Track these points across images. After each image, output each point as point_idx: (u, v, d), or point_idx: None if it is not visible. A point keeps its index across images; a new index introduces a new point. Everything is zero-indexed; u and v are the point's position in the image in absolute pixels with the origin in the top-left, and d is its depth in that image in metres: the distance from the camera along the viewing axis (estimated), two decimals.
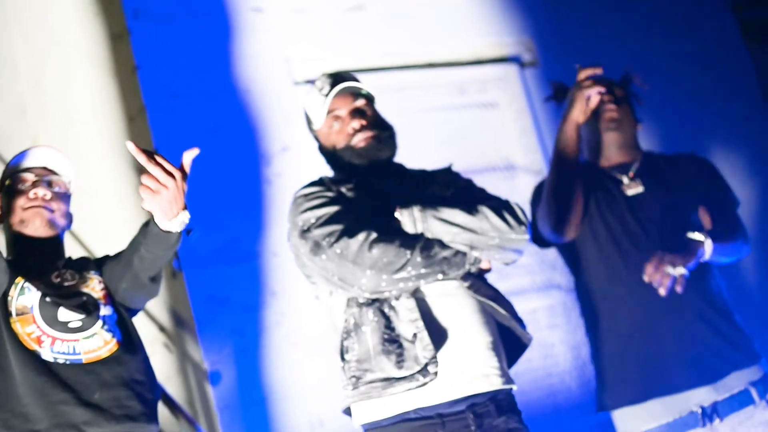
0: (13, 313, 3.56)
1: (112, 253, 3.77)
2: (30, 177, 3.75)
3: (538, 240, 4.51)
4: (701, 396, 4.16)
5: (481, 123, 5.89)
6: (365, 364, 3.68)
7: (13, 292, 3.60)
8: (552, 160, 4.41)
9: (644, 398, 4.21)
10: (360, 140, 3.93)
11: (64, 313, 3.58)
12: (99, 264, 3.79)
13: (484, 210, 3.76)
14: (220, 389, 5.14)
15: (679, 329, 4.23)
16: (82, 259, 3.82)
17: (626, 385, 4.30)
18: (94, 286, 3.70)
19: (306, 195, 3.85)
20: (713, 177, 4.57)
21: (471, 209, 3.76)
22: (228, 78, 5.49)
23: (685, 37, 6.28)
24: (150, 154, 3.18)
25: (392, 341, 3.67)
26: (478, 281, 3.82)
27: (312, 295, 3.99)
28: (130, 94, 5.37)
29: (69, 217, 3.82)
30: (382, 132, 3.96)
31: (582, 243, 4.44)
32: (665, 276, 4.00)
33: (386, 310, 3.71)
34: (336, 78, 4.00)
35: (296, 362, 5.32)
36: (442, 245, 3.72)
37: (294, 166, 5.52)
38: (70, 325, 3.56)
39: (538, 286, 5.84)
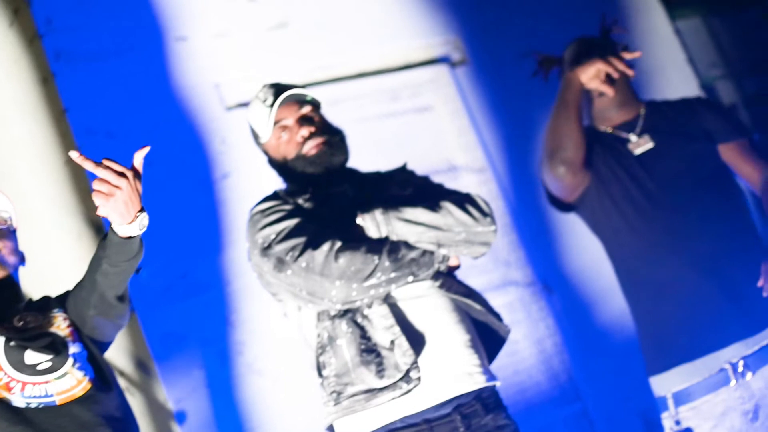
0: None
1: (71, 287, 3.55)
2: None
3: (552, 199, 4.43)
4: (732, 351, 4.01)
5: (418, 127, 5.74)
6: (345, 378, 3.50)
7: None
8: (554, 110, 4.32)
9: (686, 359, 4.06)
10: (311, 147, 3.75)
11: (31, 356, 3.34)
12: (61, 301, 3.57)
13: (447, 205, 3.60)
14: (187, 428, 4.92)
15: (702, 289, 4.08)
16: (43, 299, 3.60)
17: (667, 347, 4.15)
18: (59, 325, 3.47)
19: (262, 211, 3.66)
20: (720, 116, 4.41)
21: (433, 206, 3.60)
22: (161, 111, 5.28)
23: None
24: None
25: (370, 351, 3.49)
26: (448, 279, 3.66)
27: (273, 315, 3.81)
28: (62, 137, 5.14)
29: (18, 253, 3.57)
30: (333, 137, 3.79)
31: (602, 210, 4.31)
32: None
33: (359, 320, 3.53)
34: (278, 87, 3.82)
35: (263, 390, 5.11)
36: (409, 246, 3.55)
37: (236, 192, 5.31)
38: (39, 367, 3.33)
39: (495, 285, 5.68)
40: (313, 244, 3.51)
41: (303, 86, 3.97)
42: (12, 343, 3.34)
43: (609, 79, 4.30)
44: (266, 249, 3.56)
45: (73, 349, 3.41)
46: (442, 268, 3.63)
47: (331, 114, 4.13)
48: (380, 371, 3.46)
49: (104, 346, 3.56)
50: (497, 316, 3.66)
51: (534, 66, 4.71)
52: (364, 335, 3.51)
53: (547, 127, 4.33)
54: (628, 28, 4.64)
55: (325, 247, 3.49)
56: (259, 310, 5.13)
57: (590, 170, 4.28)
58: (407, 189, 3.74)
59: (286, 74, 5.45)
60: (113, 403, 3.40)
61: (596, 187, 4.28)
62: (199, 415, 4.98)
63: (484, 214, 3.63)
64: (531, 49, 4.72)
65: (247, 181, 5.32)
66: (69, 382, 3.34)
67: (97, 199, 3.02)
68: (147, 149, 3.09)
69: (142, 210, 3.12)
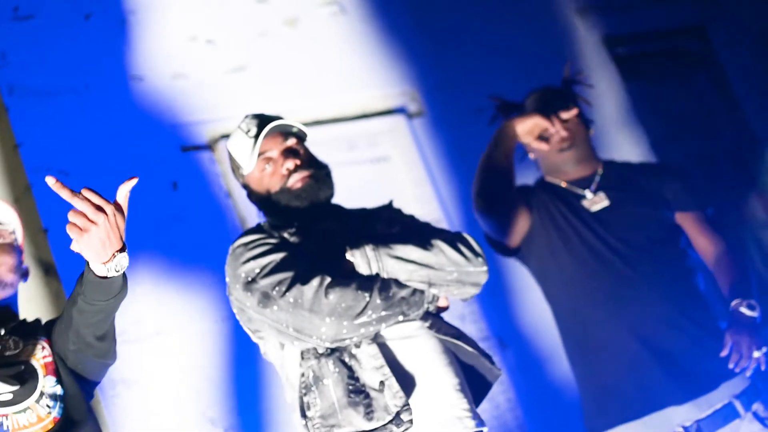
0: None
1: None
2: None
3: (491, 242, 4.35)
4: (683, 413, 3.91)
5: (374, 177, 5.60)
6: (331, 419, 3.31)
7: None
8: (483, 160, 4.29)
9: (627, 419, 3.95)
10: (296, 181, 3.58)
11: None
12: (47, 328, 3.30)
13: (439, 244, 3.44)
14: None
15: (653, 347, 4.00)
16: (35, 323, 3.34)
17: (608, 406, 4.06)
18: (35, 354, 3.19)
19: (245, 244, 3.47)
20: (680, 184, 4.34)
21: (425, 244, 3.44)
22: (115, 151, 5.07)
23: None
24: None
25: (358, 392, 3.31)
26: (438, 320, 3.50)
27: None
28: (14, 172, 4.90)
29: (20, 270, 3.34)
30: (319, 171, 3.63)
31: (552, 258, 4.23)
32: (753, 361, 3.76)
33: (347, 359, 3.35)
34: (262, 118, 3.65)
35: None
36: (399, 284, 3.38)
37: (188, 236, 5.10)
38: (0, 398, 3.06)
39: None
40: (301, 279, 3.33)
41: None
42: None
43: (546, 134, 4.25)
44: (250, 283, 3.37)
45: (44, 383, 3.14)
46: (431, 308, 3.46)
47: None
48: (369, 413, 3.28)
49: (92, 384, 3.31)
50: (489, 358, 3.50)
51: (492, 112, 4.62)
52: (351, 375, 3.33)
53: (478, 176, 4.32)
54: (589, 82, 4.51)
55: (315, 282, 3.31)
56: (212, 357, 4.92)
57: (538, 216, 4.18)
58: (394, 227, 3.58)
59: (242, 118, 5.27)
60: None
61: (547, 234, 4.20)
62: None
63: (476, 254, 3.48)
64: (491, 96, 4.61)
65: (198, 227, 5.13)
66: (28, 418, 3.08)
67: (71, 233, 2.72)
68: (134, 181, 2.80)
69: (122, 249, 2.81)
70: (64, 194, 2.69)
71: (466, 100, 5.88)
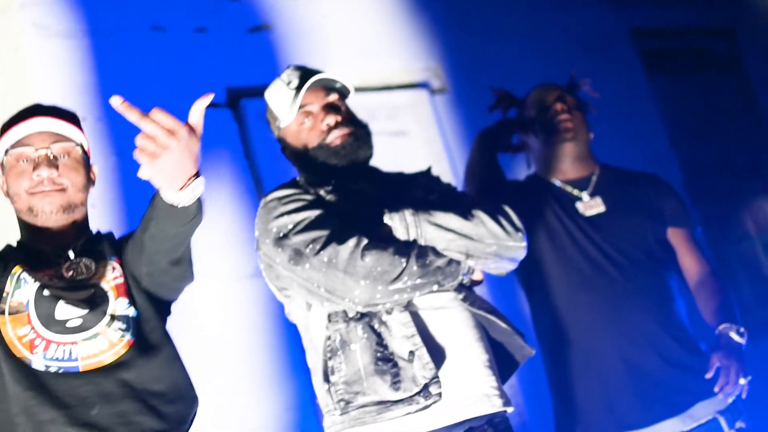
0: (6, 311, 2.82)
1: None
2: (29, 153, 2.95)
3: None
4: (668, 428, 3.76)
5: (392, 150, 5.37)
6: (355, 386, 3.12)
7: (9, 287, 2.86)
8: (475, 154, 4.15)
9: None
10: (336, 138, 3.38)
11: (62, 309, 2.82)
12: (119, 245, 3.03)
13: (480, 214, 3.25)
14: None
15: (638, 362, 3.84)
16: (107, 238, 3.07)
17: (588, 422, 3.88)
18: (106, 275, 2.94)
19: (279, 198, 3.27)
20: (675, 200, 4.16)
21: (465, 213, 3.24)
22: (132, 101, 4.84)
23: (588, 67, 5.95)
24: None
25: (386, 360, 3.12)
26: (471, 293, 3.31)
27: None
28: None
29: (90, 184, 3.08)
30: (359, 129, 3.44)
31: (543, 256, 4.01)
32: (738, 387, 3.63)
33: (376, 325, 3.16)
34: (304, 71, 3.44)
35: (215, 401, 4.67)
36: (436, 253, 3.20)
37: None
38: (69, 324, 2.80)
39: None
40: (337, 238, 3.13)
41: None
42: (45, 292, 2.83)
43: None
44: (282, 239, 3.17)
45: (115, 306, 2.88)
46: (466, 281, 3.27)
47: None
48: (396, 383, 3.09)
49: (167, 304, 3.05)
50: (522, 336, 3.31)
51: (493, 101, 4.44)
52: (380, 342, 3.14)
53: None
54: (597, 89, 4.33)
55: (351, 243, 3.12)
56: (218, 316, 4.71)
57: (528, 214, 4.00)
58: (432, 193, 3.39)
59: (264, 77, 5.07)
60: (153, 373, 2.88)
61: (536, 234, 4.00)
62: None
63: (516, 228, 3.29)
64: (492, 87, 4.43)
65: (214, 183, 4.92)
66: (99, 345, 2.83)
67: (140, 158, 2.43)
68: (209, 98, 2.52)
69: (197, 175, 2.55)
70: (132, 116, 2.41)
71: (490, 81, 5.66)
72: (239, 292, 4.78)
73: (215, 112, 5.09)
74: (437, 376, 3.09)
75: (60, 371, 2.77)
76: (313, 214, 3.19)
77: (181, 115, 4.85)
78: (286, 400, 4.74)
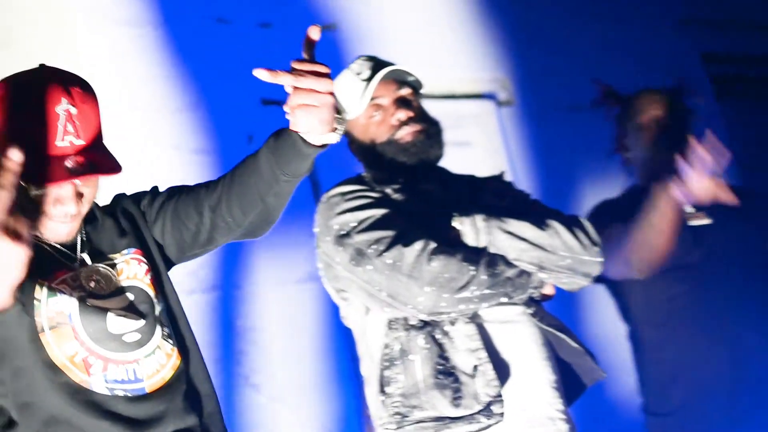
0: (45, 326, 2.33)
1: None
2: (59, 194, 2.37)
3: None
4: None
5: (453, 160, 5.10)
6: (413, 400, 2.85)
7: (40, 294, 2.36)
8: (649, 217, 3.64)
9: None
10: (407, 134, 3.12)
11: (115, 322, 2.38)
12: (137, 208, 2.60)
13: (555, 225, 2.97)
14: None
15: (747, 373, 3.63)
16: (120, 205, 2.59)
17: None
18: (135, 273, 2.49)
19: (343, 194, 3.01)
20: None
21: (540, 223, 2.97)
22: (193, 93, 4.62)
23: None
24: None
25: (447, 374, 2.85)
26: (541, 308, 3.03)
27: (281, 327, 3.13)
28: None
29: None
30: (431, 127, 3.17)
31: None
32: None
33: (439, 336, 2.89)
34: (375, 62, 3.19)
35: (257, 405, 4.42)
36: (507, 263, 2.92)
37: None
38: (126, 339, 2.38)
39: None
40: (402, 240, 2.87)
41: None
42: (89, 303, 2.38)
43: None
44: (343, 237, 2.91)
45: (158, 307, 2.48)
46: (536, 294, 3.00)
47: None
48: (456, 399, 2.83)
49: (171, 265, 2.65)
50: (593, 357, 3.03)
51: (596, 95, 4.15)
52: (442, 354, 2.88)
53: (635, 234, 3.67)
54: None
55: (418, 245, 2.85)
56: (266, 320, 4.47)
57: None
58: (503, 200, 3.11)
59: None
60: (197, 374, 2.51)
61: None
62: None
63: (593, 242, 3.01)
64: (595, 80, 4.15)
65: None
66: (158, 360, 2.43)
67: (300, 112, 2.23)
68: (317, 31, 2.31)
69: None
70: (286, 80, 2.22)
71: (558, 96, 5.44)
72: (289, 297, 4.54)
73: (276, 110, 4.85)
74: (501, 395, 2.82)
75: (129, 395, 2.37)
76: (379, 212, 2.93)
77: (243, 106, 4.69)
78: (332, 410, 4.49)
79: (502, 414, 2.80)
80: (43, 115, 2.27)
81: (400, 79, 3.19)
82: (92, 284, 2.41)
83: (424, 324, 2.89)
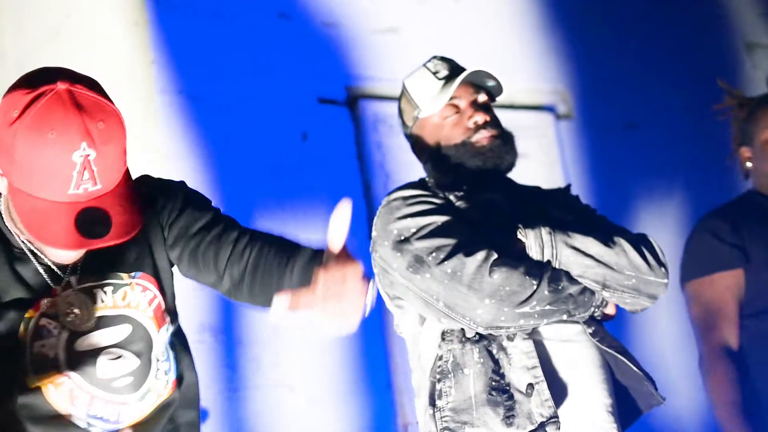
0: (27, 363, 2.21)
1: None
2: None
3: None
4: None
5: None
6: (464, 415, 2.72)
7: (23, 331, 2.21)
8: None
9: None
10: (483, 137, 2.97)
11: (105, 367, 2.24)
12: (162, 218, 2.35)
13: (622, 243, 2.82)
14: (206, 428, 4.09)
15: None
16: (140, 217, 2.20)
17: None
18: (138, 301, 2.29)
19: (405, 198, 2.87)
20: None
21: (606, 240, 2.82)
22: (250, 86, 4.51)
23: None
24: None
25: (501, 390, 2.71)
26: (601, 328, 2.88)
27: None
28: (144, 91, 4.34)
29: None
30: (506, 133, 3.01)
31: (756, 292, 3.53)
32: None
33: (495, 351, 2.75)
34: (452, 63, 3.06)
35: (292, 407, 4.29)
36: (571, 279, 2.77)
37: (307, 190, 4.52)
38: (117, 384, 2.26)
39: None
40: (464, 249, 2.72)
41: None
42: (77, 348, 2.23)
43: None
44: (402, 242, 2.77)
45: (159, 344, 2.33)
46: (597, 314, 2.85)
47: None
48: (509, 417, 2.69)
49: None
50: (653, 383, 2.88)
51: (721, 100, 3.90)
52: (497, 370, 2.73)
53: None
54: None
55: (479, 256, 2.71)
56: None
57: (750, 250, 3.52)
58: (569, 214, 2.97)
59: (389, 81, 4.71)
60: (187, 401, 2.41)
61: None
62: (220, 417, 4.17)
63: (660, 263, 2.86)
64: (721, 80, 3.93)
65: (321, 181, 4.56)
66: (148, 402, 2.32)
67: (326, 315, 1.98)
68: (347, 208, 2.02)
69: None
70: (313, 302, 1.96)
71: (618, 112, 5.30)
72: None
73: (332, 109, 4.74)
74: (557, 416, 2.68)
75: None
76: (440, 219, 2.79)
77: (300, 102, 4.57)
78: (366, 418, 4.37)
79: None
80: (59, 162, 2.01)
81: (478, 83, 3.05)
82: (69, 318, 2.21)
83: (481, 337, 2.75)
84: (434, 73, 3.02)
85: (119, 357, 2.25)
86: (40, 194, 2.02)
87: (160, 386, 2.32)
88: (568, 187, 3.12)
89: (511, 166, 3.02)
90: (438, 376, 2.77)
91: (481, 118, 2.98)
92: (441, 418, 2.73)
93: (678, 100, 5.43)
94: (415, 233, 2.77)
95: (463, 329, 2.76)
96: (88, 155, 2.01)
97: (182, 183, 2.41)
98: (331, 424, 4.31)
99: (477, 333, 2.75)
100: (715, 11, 5.78)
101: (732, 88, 3.83)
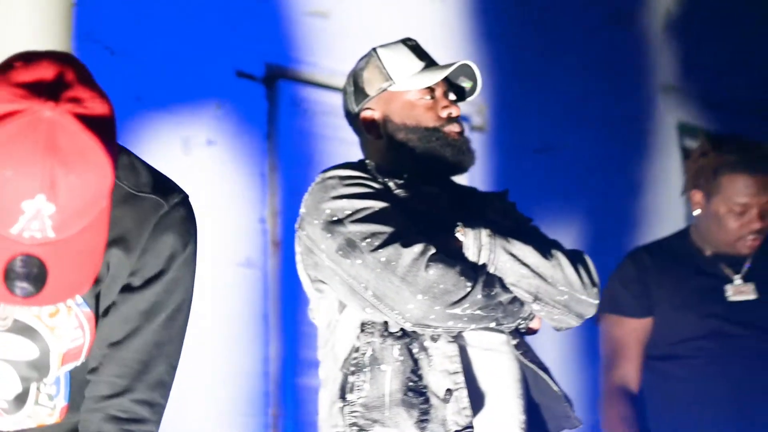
0: None
1: None
2: None
3: None
4: None
5: None
6: (375, 413, 2.54)
7: None
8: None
9: None
10: (453, 131, 2.80)
11: None
12: None
13: (560, 256, 2.68)
14: None
15: None
16: None
17: None
18: (63, 333, 1.89)
19: (342, 177, 2.67)
20: None
21: (544, 251, 2.66)
22: (170, 45, 4.29)
23: (629, 149, 5.51)
24: None
25: (418, 392, 2.55)
26: (524, 342, 2.74)
27: None
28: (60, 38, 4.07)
29: None
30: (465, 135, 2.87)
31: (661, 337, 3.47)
32: None
33: (416, 350, 2.58)
34: (426, 54, 2.87)
35: None
36: (503, 286, 2.61)
37: (214, 160, 4.29)
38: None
39: None
40: (401, 239, 2.54)
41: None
42: None
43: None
44: (334, 223, 2.58)
45: (53, 375, 1.93)
46: (522, 326, 2.69)
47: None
48: (423, 421, 2.53)
49: None
50: (571, 404, 2.73)
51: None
52: (416, 371, 2.57)
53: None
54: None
55: (417, 248, 2.53)
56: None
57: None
58: (506, 220, 2.80)
59: (311, 64, 4.54)
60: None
61: (676, 300, 3.47)
62: None
63: (593, 282, 2.71)
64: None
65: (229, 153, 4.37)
66: (22, 424, 1.97)
67: None
68: None
69: None
70: None
71: (533, 133, 5.22)
72: (228, 280, 4.21)
73: (249, 84, 4.53)
74: (472, 427, 2.52)
75: None
76: (378, 205, 2.60)
77: (217, 71, 4.35)
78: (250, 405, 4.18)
79: None
80: (5, 203, 1.58)
81: (453, 81, 2.86)
82: None
83: (404, 334, 2.58)
84: (415, 52, 2.82)
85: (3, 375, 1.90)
86: None
87: (42, 413, 1.94)
88: (505, 192, 2.95)
89: (466, 168, 2.86)
90: (352, 369, 2.58)
91: (454, 111, 2.81)
92: (350, 412, 2.55)
93: (593, 132, 5.38)
94: (349, 215, 2.58)
95: (386, 323, 2.58)
96: (42, 209, 1.58)
97: (192, 250, 1.97)
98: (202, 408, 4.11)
99: (401, 329, 2.57)
100: (637, 50, 5.74)
101: (704, 136, 3.75)
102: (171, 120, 4.28)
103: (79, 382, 1.94)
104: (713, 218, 3.48)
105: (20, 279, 1.60)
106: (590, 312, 2.72)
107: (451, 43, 5.08)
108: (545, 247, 2.68)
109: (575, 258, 2.71)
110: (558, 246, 2.73)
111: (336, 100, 4.81)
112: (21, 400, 1.91)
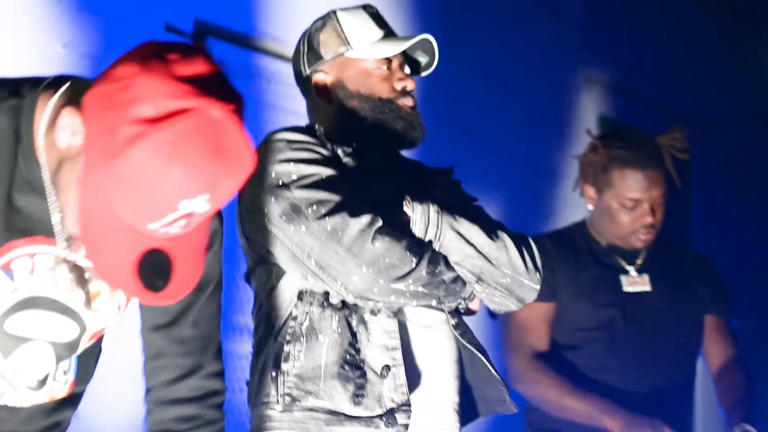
0: None
1: None
2: None
3: None
4: None
5: None
6: (309, 384, 2.46)
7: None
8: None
9: None
10: (406, 105, 2.70)
11: (24, 349, 1.88)
12: None
13: (505, 238, 2.61)
14: None
15: None
16: None
17: None
18: (103, 311, 1.93)
19: (290, 141, 2.56)
20: (718, 286, 3.66)
21: (490, 232, 2.59)
22: None
23: (557, 138, 5.50)
24: None
25: (355, 366, 2.48)
26: (463, 322, 2.66)
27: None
28: None
29: None
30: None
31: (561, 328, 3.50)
32: None
33: (354, 323, 2.50)
34: (383, 21, 2.76)
35: None
36: (447, 264, 2.53)
37: None
38: (20, 369, 1.89)
39: None
40: (348, 209, 2.45)
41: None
42: (11, 318, 1.86)
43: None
44: (280, 188, 2.47)
45: (77, 352, 1.97)
46: (462, 306, 2.62)
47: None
48: (358, 396, 2.45)
49: None
50: (508, 390, 2.67)
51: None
52: (353, 344, 2.49)
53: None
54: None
55: (364, 219, 2.44)
56: None
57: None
58: (451, 198, 2.71)
59: (242, 25, 4.41)
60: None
61: (569, 293, 3.50)
62: None
63: (536, 267, 2.65)
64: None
65: None
66: (38, 398, 1.95)
67: None
68: None
69: None
70: None
71: (449, 119, 5.15)
72: None
73: (176, 39, 4.36)
74: (409, 404, 2.45)
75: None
76: (326, 172, 2.50)
77: (148, 23, 4.20)
78: None
79: (407, 426, 2.44)
80: (162, 200, 1.59)
81: (410, 54, 2.76)
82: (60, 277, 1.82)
83: (343, 305, 2.49)
84: (375, 20, 2.71)
85: (41, 351, 1.88)
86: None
87: (56, 388, 1.94)
88: (450, 169, 2.87)
89: (416, 143, 2.75)
90: (288, 338, 2.48)
91: (409, 84, 2.71)
92: (283, 383, 2.45)
93: (515, 117, 5.33)
94: (296, 180, 2.47)
95: (326, 292, 2.49)
96: (197, 209, 1.59)
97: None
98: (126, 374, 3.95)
99: (342, 300, 2.48)
100: (561, 42, 5.71)
101: (594, 136, 3.74)
102: (97, 71, 4.11)
103: (84, 355, 1.96)
104: (606, 213, 3.51)
105: (152, 274, 1.62)
106: (531, 297, 2.66)
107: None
108: (491, 228, 2.61)
109: (520, 241, 2.64)
110: (503, 228, 2.66)
111: (265, 63, 4.73)
112: (47, 377, 1.92)
